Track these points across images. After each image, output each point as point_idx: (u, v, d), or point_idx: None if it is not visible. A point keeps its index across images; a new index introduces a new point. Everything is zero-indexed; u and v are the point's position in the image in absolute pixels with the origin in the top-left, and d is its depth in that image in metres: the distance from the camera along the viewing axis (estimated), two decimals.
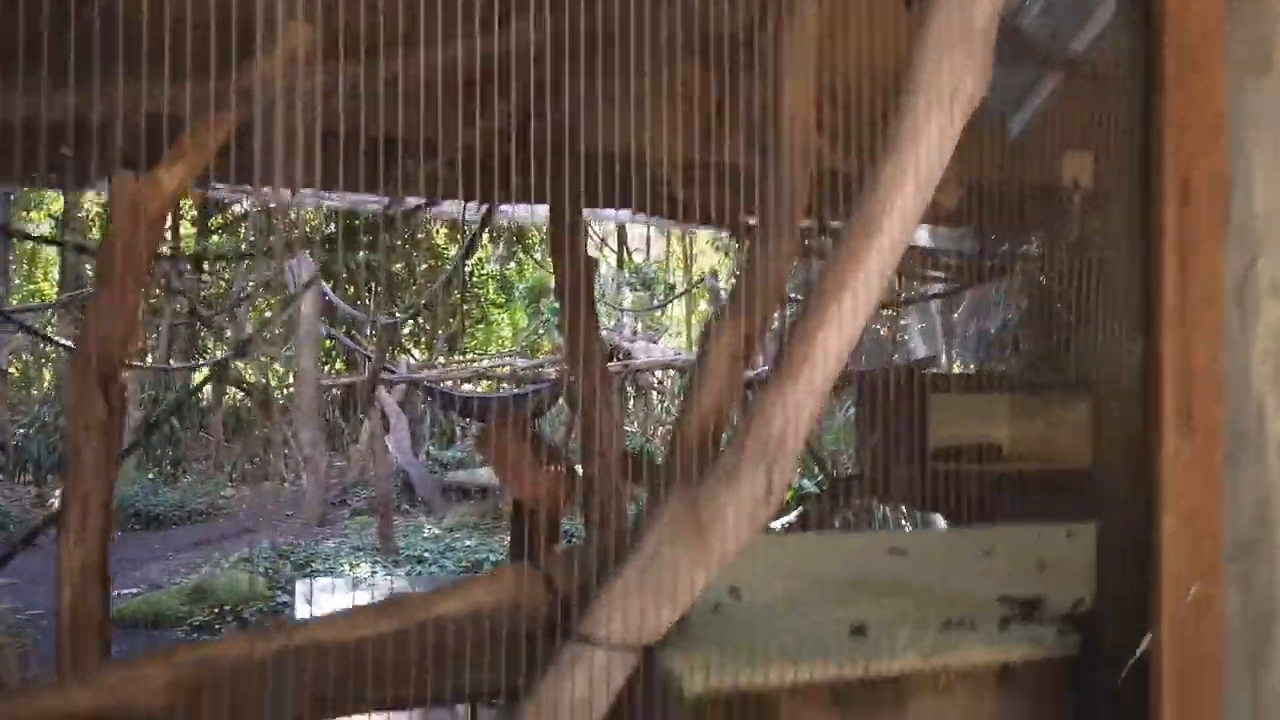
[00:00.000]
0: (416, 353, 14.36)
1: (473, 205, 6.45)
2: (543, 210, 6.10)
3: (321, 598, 5.22)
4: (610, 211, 7.43)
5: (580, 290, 4.38)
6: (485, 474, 9.18)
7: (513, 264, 15.31)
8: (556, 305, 11.06)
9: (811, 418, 1.42)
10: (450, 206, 6.83)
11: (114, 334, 2.23)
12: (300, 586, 5.45)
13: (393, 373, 10.12)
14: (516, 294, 14.35)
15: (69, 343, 7.31)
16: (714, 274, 10.32)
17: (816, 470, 8.35)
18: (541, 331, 12.79)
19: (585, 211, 4.22)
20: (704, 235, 16.98)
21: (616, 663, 1.42)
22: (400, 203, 5.41)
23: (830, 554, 2.64)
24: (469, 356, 13.81)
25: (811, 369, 1.40)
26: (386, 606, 1.53)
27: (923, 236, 6.80)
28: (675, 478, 1.50)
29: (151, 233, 2.28)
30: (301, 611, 4.95)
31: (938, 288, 7.85)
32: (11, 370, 14.00)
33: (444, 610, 1.50)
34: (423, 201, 5.05)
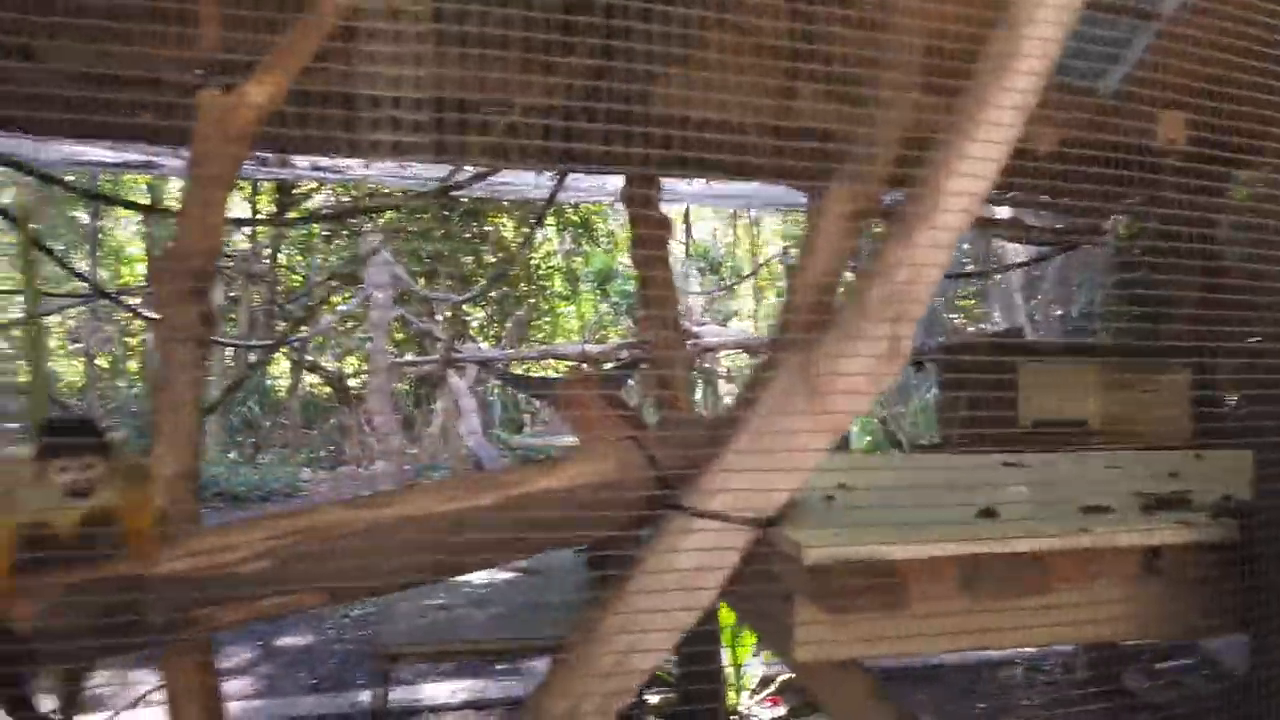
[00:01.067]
0: (485, 344, 14.46)
1: (539, 177, 6.39)
2: (614, 184, 6.03)
3: None
4: (679, 185, 7.30)
5: (656, 247, 4.31)
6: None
7: (579, 257, 15.31)
8: (624, 289, 11.00)
9: (939, 271, 1.31)
10: (517, 178, 6.80)
11: (202, 245, 2.22)
12: None
13: (460, 354, 10.18)
14: (583, 281, 14.34)
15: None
16: (787, 251, 10.13)
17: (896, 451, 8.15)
18: (609, 318, 12.74)
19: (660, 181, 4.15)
20: (769, 222, 16.79)
21: (729, 537, 1.33)
22: (460, 171, 5.36)
23: (938, 465, 2.50)
24: (537, 345, 13.86)
25: (941, 216, 1.29)
26: (481, 481, 1.46)
27: (1006, 210, 6.57)
28: (785, 346, 1.41)
29: (238, 146, 2.27)
30: None
31: (1023, 258, 7.59)
32: (99, 361, 14.53)
33: (540, 485, 1.43)
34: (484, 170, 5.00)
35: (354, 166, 6.86)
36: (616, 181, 5.50)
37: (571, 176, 7.34)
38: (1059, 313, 8.84)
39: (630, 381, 9.57)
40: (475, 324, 14.98)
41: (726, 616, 4.83)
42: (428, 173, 6.57)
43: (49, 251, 5.05)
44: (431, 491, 1.46)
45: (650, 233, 4.16)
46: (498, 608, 4.36)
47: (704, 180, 6.20)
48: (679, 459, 1.43)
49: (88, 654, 1.43)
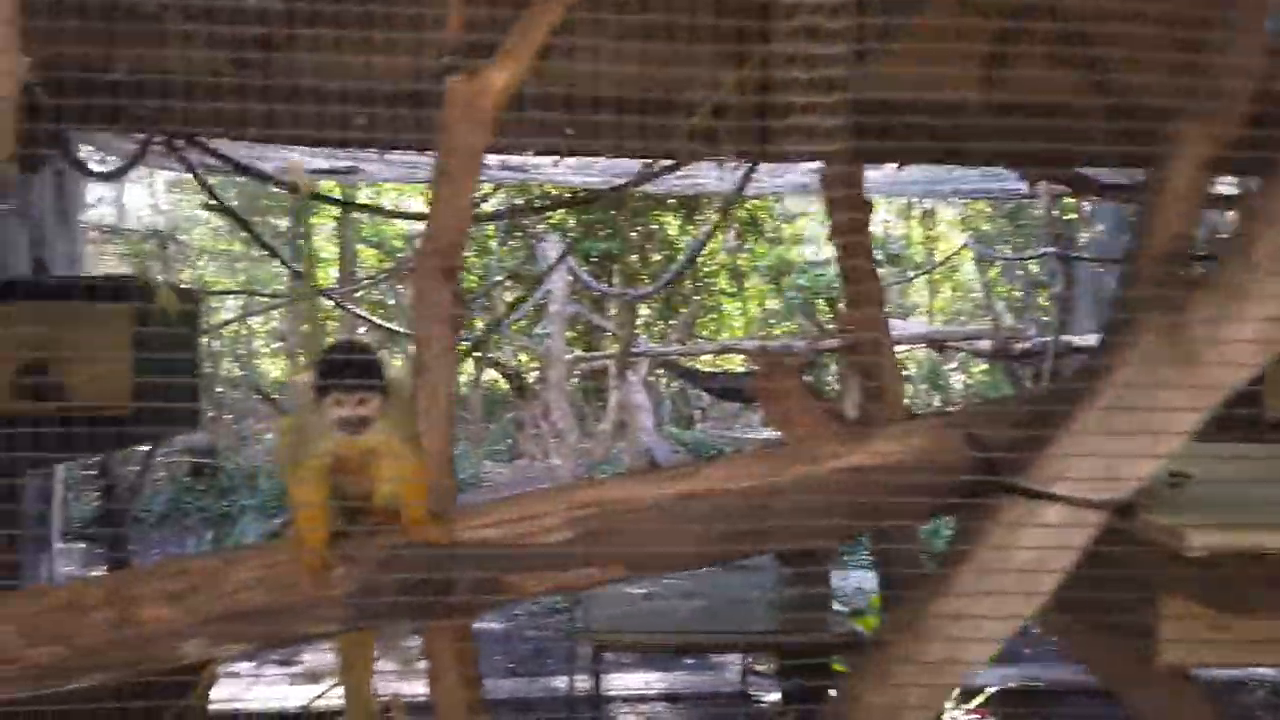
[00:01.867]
0: (651, 342, 14.54)
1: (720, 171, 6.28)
2: (787, 179, 5.85)
3: None
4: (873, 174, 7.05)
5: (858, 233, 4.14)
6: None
7: (745, 254, 15.14)
8: (800, 283, 10.78)
9: None
10: (697, 174, 6.73)
11: (452, 228, 2.25)
12: None
13: (637, 349, 10.24)
14: (750, 280, 14.17)
15: (381, 322, 7.98)
16: (975, 238, 9.64)
17: None
18: (781, 313, 12.50)
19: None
20: (945, 214, 16.09)
21: (1074, 521, 1.18)
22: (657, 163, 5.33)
23: (1258, 454, 2.21)
24: (704, 341, 13.82)
25: None
26: (781, 457, 1.38)
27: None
28: (1136, 308, 1.24)
29: (483, 129, 2.29)
30: None
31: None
32: (301, 358, 15.58)
33: (848, 462, 1.33)
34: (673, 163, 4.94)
35: (542, 166, 6.95)
36: (791, 176, 5.35)
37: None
38: None
39: (807, 377, 9.37)
40: (641, 321, 15.08)
41: None
42: (613, 168, 6.59)
43: (273, 251, 5.38)
44: (727, 467, 1.39)
45: (852, 218, 4.00)
46: (700, 600, 4.30)
47: (894, 168, 5.94)
48: (1002, 439, 1.30)
49: (401, 617, 1.44)
